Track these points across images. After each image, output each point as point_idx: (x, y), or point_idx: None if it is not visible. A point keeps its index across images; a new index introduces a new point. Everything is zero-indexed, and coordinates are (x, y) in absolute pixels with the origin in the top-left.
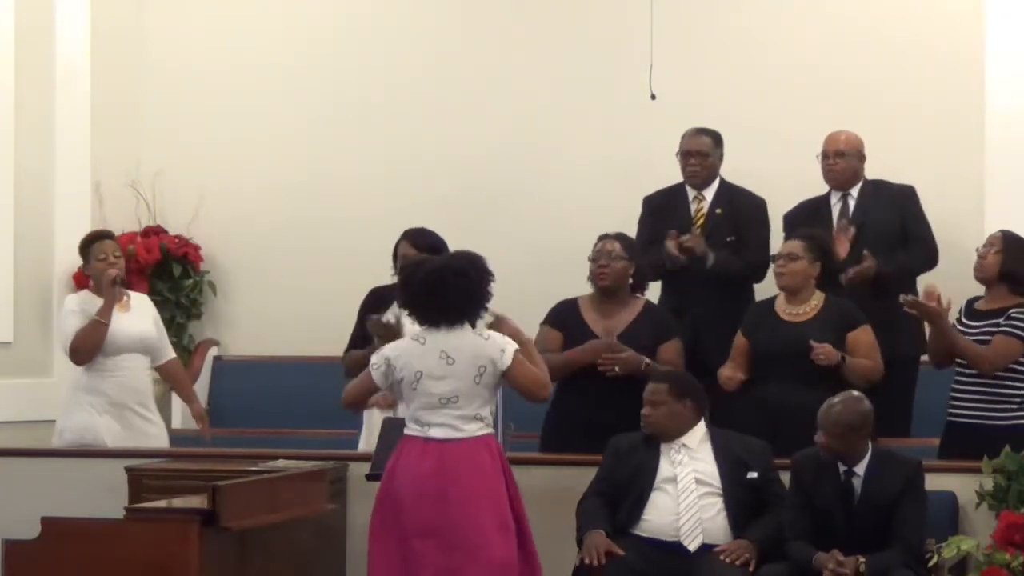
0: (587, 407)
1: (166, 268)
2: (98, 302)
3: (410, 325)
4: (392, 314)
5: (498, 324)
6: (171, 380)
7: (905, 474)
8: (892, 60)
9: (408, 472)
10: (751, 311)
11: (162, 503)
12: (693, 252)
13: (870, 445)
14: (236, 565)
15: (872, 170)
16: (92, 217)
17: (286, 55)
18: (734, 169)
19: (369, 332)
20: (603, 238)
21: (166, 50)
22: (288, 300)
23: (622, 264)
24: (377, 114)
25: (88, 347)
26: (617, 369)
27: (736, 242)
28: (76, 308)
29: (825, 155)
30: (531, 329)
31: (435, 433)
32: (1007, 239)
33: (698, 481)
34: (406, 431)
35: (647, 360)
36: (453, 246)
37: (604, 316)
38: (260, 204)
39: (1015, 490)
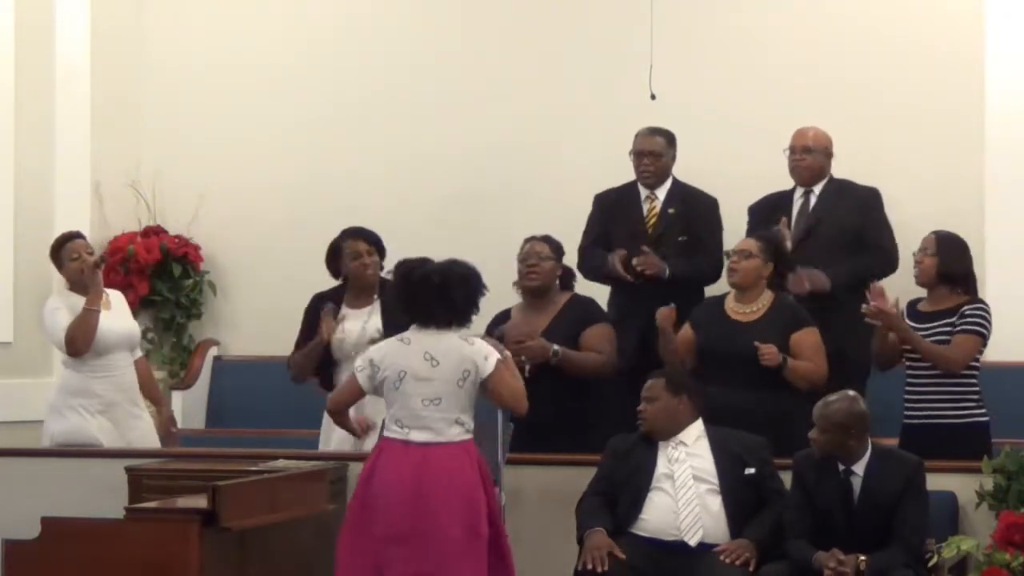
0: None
1: (166, 268)
2: (79, 299)
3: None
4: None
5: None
6: (139, 379)
7: (905, 474)
8: (892, 60)
9: (387, 475)
10: (699, 307)
11: (162, 503)
12: (647, 272)
13: (869, 444)
14: (236, 565)
15: (872, 170)
16: (92, 217)
17: (286, 55)
18: (733, 168)
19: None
20: (530, 240)
21: (166, 50)
22: (288, 300)
23: (550, 264)
24: (377, 114)
25: (83, 336)
26: (523, 358)
27: (687, 242)
28: (60, 305)
29: (792, 150)
30: None
31: (416, 436)
32: (940, 240)
33: (696, 478)
34: (386, 433)
35: (555, 347)
36: (452, 246)
37: (530, 317)
38: (260, 204)
39: (1015, 490)
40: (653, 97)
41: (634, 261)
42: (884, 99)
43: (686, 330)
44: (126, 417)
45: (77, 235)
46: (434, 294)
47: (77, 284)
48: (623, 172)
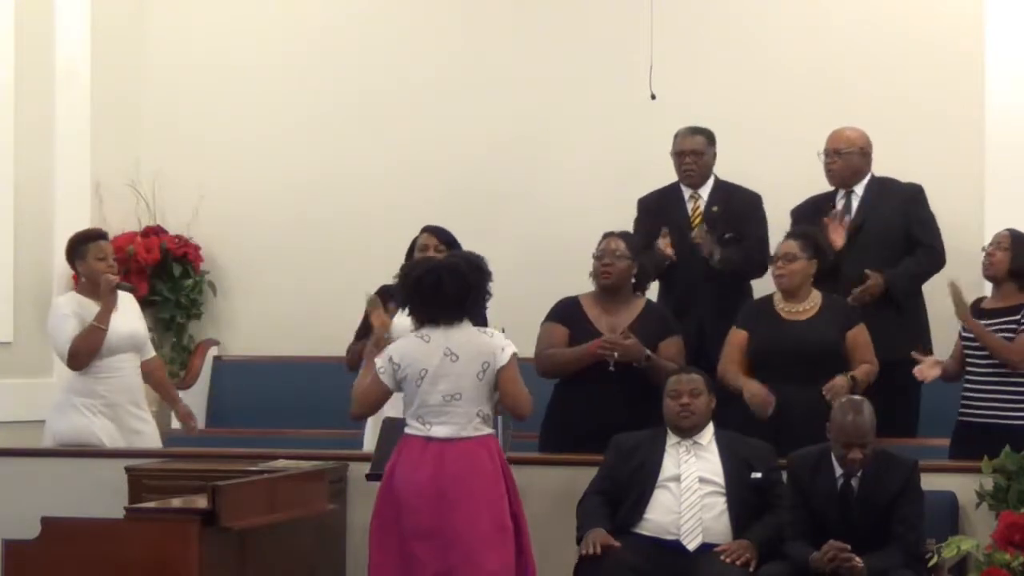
0: (588, 409)
1: (166, 268)
2: (89, 304)
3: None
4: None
5: None
6: (152, 379)
7: (902, 474)
8: (892, 60)
9: (408, 472)
10: (748, 308)
11: (162, 503)
12: (701, 247)
13: None
14: (236, 565)
15: (872, 170)
16: (92, 217)
17: (286, 55)
18: (733, 169)
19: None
20: (608, 236)
21: (166, 50)
22: (288, 300)
23: (626, 263)
24: (377, 114)
25: (87, 352)
26: (616, 355)
27: (734, 239)
28: (69, 312)
29: (825, 153)
30: (531, 328)
31: (437, 432)
32: (1014, 237)
33: (702, 480)
34: (407, 430)
35: (648, 352)
36: None
37: (607, 313)
38: (260, 204)
39: (1015, 490)
40: (653, 97)
41: (692, 234)
42: (885, 99)
43: (737, 334)
44: (128, 418)
45: (103, 234)
46: (432, 295)
47: (91, 284)
48: (623, 172)
